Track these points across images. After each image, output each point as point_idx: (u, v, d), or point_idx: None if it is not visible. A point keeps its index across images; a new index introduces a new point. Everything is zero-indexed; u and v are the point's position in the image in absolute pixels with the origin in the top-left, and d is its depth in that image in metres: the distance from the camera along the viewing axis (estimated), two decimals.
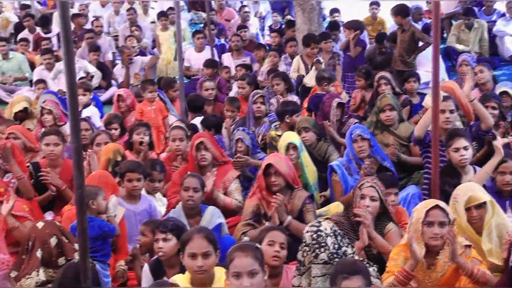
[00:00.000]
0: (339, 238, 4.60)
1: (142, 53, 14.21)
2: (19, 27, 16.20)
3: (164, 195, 7.20)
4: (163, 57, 13.75)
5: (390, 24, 14.20)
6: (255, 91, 9.33)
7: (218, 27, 15.66)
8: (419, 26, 13.58)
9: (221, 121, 8.86)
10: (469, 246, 4.87)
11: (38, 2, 19.46)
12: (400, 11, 11.33)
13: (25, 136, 8.07)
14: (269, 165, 6.11)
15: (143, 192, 6.75)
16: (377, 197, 5.51)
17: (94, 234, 5.58)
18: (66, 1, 3.70)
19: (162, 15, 14.49)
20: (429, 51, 10.74)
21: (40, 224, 5.30)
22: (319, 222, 4.70)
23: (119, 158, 7.00)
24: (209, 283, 4.68)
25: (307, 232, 4.63)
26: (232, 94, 11.03)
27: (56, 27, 15.08)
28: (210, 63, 11.92)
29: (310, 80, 10.82)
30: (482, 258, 4.90)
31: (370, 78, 9.81)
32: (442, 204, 4.86)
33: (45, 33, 15.02)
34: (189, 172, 6.60)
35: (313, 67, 10.98)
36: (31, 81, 12.46)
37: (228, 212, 6.65)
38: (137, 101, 10.11)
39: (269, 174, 6.12)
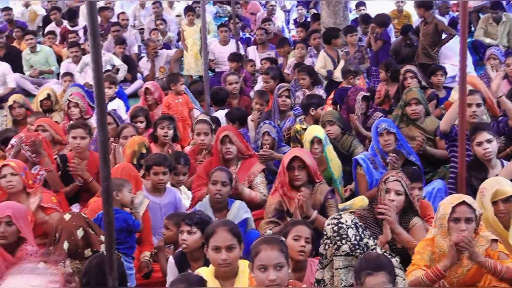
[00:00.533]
0: (360, 230, 4.60)
1: (167, 46, 14.27)
2: (46, 20, 16.30)
3: (189, 188, 7.23)
4: (190, 52, 13.74)
5: (416, 18, 14.12)
6: (280, 84, 9.30)
7: (242, 20, 15.67)
8: (445, 19, 13.60)
9: (245, 115, 8.88)
10: (496, 240, 4.80)
11: None
12: (423, 3, 11.21)
13: (53, 129, 8.16)
14: (292, 159, 6.08)
15: (168, 185, 6.77)
16: (402, 191, 5.46)
17: (119, 226, 5.63)
18: None
19: (189, 10, 14.51)
20: (455, 44, 10.71)
21: (67, 216, 5.33)
22: (340, 214, 4.70)
23: (144, 151, 7.07)
24: (233, 276, 4.68)
25: (328, 225, 4.63)
26: (257, 87, 11.02)
27: (82, 20, 15.18)
28: (234, 57, 11.91)
29: (339, 74, 10.80)
30: (509, 252, 4.83)
31: (390, 70, 9.82)
32: (469, 199, 4.79)
33: (72, 26, 15.10)
34: (218, 166, 6.60)
35: (341, 60, 11.03)
36: (58, 74, 12.53)
37: (253, 205, 6.63)
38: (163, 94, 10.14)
39: (293, 169, 6.08)
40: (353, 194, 7.14)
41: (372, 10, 14.79)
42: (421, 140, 7.39)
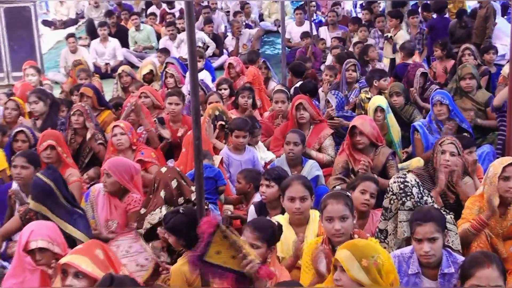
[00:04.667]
0: (421, 188, 4.52)
1: (249, 26, 14.26)
2: (148, 3, 16.56)
3: (267, 148, 7.20)
4: None
5: (470, 3, 13.90)
6: (347, 59, 9.17)
7: (316, 4, 15.53)
8: (498, 4, 13.19)
9: (316, 86, 8.79)
10: None
11: None
12: None
13: (153, 95, 8.27)
14: (354, 126, 6.05)
15: None
16: (456, 152, 5.36)
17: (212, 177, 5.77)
18: None
19: None
20: (506, 26, 10.44)
21: (163, 169, 5.40)
22: (405, 174, 4.61)
23: (217, 113, 7.07)
24: (304, 223, 4.69)
25: (394, 182, 4.53)
26: (327, 62, 10.89)
27: (178, 3, 15.28)
28: (305, 34, 11.89)
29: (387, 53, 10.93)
30: None
31: (446, 48, 9.72)
32: None
33: (170, 8, 15.36)
34: (291, 129, 6.60)
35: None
36: (157, 49, 12.65)
37: (321, 165, 6.54)
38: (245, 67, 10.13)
39: (354, 134, 6.05)
40: (410, 156, 7.06)
41: None
42: (471, 116, 7.28)
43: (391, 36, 11.27)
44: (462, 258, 3.85)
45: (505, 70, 7.30)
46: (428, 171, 5.47)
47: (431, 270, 3.93)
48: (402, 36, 11.38)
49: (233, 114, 7.64)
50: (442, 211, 4.28)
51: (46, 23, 16.55)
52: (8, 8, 10.48)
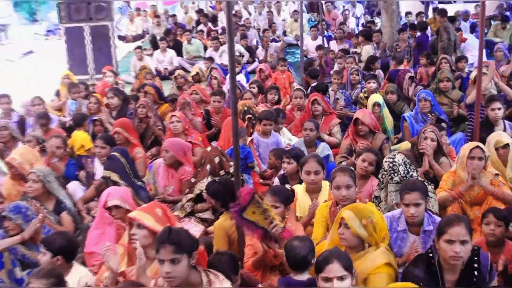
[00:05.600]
0: (407, 166, 4.47)
1: (275, 40, 14.20)
2: (197, 22, 16.52)
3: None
4: None
5: None
6: (352, 66, 9.11)
7: (327, 23, 15.38)
8: (467, 24, 13.48)
9: (327, 86, 8.73)
10: (497, 174, 4.68)
11: (210, 7, 19.71)
12: (440, 12, 10.92)
13: (202, 93, 8.27)
14: (356, 118, 6.04)
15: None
16: (435, 138, 5.31)
17: (243, 156, 5.75)
18: (229, 6, 3.67)
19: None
20: (474, 41, 10.29)
21: (208, 149, 5.42)
22: (394, 155, 4.56)
23: (245, 108, 7.01)
24: (318, 191, 4.68)
25: (385, 162, 4.51)
26: (335, 68, 10.77)
27: (220, 22, 15.25)
28: (318, 47, 11.74)
29: None
30: (505, 182, 4.73)
31: (429, 58, 9.68)
32: (481, 145, 4.69)
33: (214, 26, 15.27)
34: (308, 118, 6.60)
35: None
36: (204, 57, 12.65)
37: (331, 146, 6.51)
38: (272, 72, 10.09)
39: (357, 124, 6.03)
40: (400, 140, 6.99)
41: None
42: (457, 109, 7.26)
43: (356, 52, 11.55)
44: (439, 219, 3.82)
45: (473, 75, 7.31)
46: (414, 152, 5.42)
47: (415, 227, 3.91)
48: (366, 50, 11.48)
49: (262, 107, 7.60)
50: (425, 182, 4.24)
51: (120, 38, 16.62)
52: (92, 26, 10.55)
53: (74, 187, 5.71)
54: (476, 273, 3.24)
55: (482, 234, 4.08)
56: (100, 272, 3.83)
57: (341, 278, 2.97)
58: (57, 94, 9.50)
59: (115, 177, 5.16)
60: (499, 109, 6.03)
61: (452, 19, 11.57)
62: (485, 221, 3.98)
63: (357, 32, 14.85)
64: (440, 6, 15.19)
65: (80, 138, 6.60)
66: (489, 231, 3.94)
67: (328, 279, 2.98)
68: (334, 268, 2.97)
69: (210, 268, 3.23)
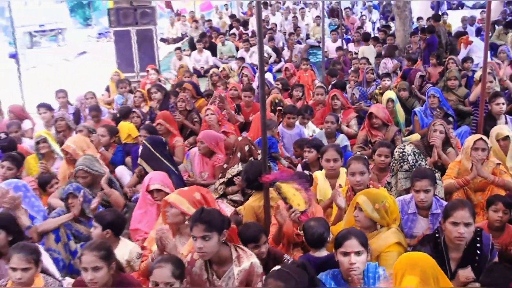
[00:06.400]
0: (416, 155, 4.40)
1: (299, 42, 14.08)
2: (230, 26, 16.46)
3: None
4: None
5: (455, 27, 13.66)
6: (367, 66, 8.98)
7: (346, 27, 15.18)
8: (473, 28, 13.27)
9: (345, 83, 8.66)
10: (499, 163, 4.61)
11: (242, 13, 19.66)
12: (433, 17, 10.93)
13: (239, 90, 8.25)
14: (371, 112, 6.00)
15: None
16: (443, 131, 5.23)
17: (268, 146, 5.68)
18: (259, 12, 3.65)
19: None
20: (480, 43, 10.10)
21: (239, 138, 5.44)
22: (404, 145, 4.50)
23: (276, 100, 7.01)
24: (336, 176, 4.64)
25: (396, 151, 4.46)
26: (353, 67, 10.64)
27: (251, 26, 15.17)
28: (338, 48, 11.65)
29: None
30: (506, 170, 4.65)
31: (438, 58, 9.59)
32: (484, 137, 4.62)
33: (245, 30, 15.18)
34: (329, 112, 6.57)
35: None
36: (236, 57, 12.63)
37: (349, 137, 6.46)
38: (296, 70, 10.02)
39: (372, 117, 5.99)
40: (411, 132, 6.90)
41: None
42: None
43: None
44: (446, 203, 3.75)
45: (477, 75, 7.14)
46: (423, 142, 5.35)
47: (424, 211, 3.87)
48: (362, 50, 11.45)
49: (288, 102, 7.56)
50: (433, 170, 4.17)
51: (162, 40, 16.71)
52: (138, 30, 10.60)
53: (121, 170, 5.81)
54: (478, 251, 3.20)
55: (485, 218, 4.01)
56: (149, 245, 3.84)
57: (358, 253, 2.96)
58: (107, 89, 9.62)
59: (144, 164, 5.17)
60: (503, 104, 5.92)
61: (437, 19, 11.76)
62: (493, 208, 3.90)
63: (373, 35, 14.69)
64: (449, 12, 14.87)
65: (127, 128, 6.68)
66: (497, 218, 3.87)
67: (346, 253, 2.98)
68: (352, 244, 2.97)
69: (240, 234, 3.27)
